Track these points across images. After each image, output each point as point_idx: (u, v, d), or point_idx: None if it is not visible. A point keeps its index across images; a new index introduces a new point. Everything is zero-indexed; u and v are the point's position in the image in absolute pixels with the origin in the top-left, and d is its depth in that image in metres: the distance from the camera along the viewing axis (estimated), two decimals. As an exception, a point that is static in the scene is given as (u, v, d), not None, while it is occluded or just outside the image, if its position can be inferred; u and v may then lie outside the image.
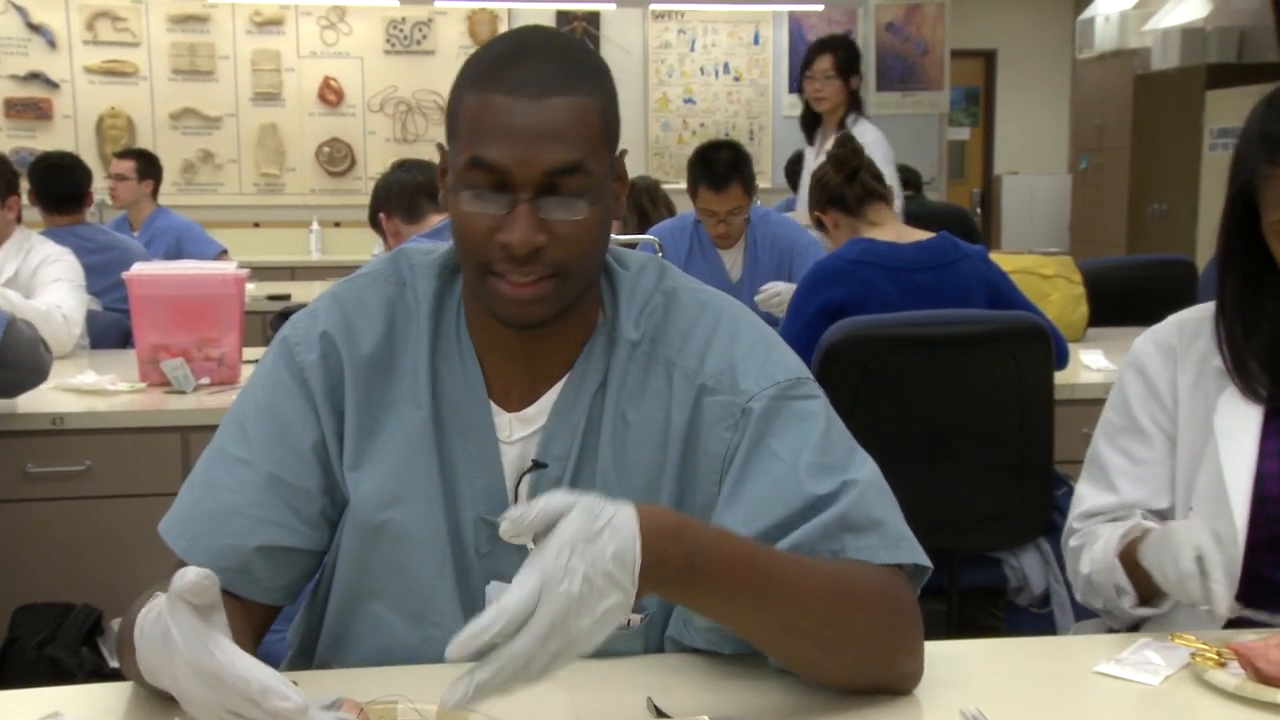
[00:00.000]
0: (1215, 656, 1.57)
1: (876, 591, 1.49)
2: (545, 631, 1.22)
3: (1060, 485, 3.33)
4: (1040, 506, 3.28)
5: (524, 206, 1.45)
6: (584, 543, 1.26)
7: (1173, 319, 2.02)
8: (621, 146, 1.58)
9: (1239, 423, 1.88)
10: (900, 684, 1.54)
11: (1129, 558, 1.87)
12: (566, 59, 1.50)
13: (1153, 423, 1.98)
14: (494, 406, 1.61)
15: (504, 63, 1.48)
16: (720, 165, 4.73)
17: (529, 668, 1.24)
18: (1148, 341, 2.02)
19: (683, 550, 1.35)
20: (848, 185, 3.64)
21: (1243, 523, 1.84)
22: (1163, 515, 1.98)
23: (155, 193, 6.80)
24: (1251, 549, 1.85)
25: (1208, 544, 1.71)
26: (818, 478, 1.52)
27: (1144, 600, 1.86)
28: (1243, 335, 1.89)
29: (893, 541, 1.53)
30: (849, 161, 3.66)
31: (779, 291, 4.50)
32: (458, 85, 1.52)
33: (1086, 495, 2.04)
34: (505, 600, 1.23)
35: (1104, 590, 1.93)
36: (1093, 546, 1.97)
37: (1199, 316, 1.98)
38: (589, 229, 1.49)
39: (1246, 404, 1.88)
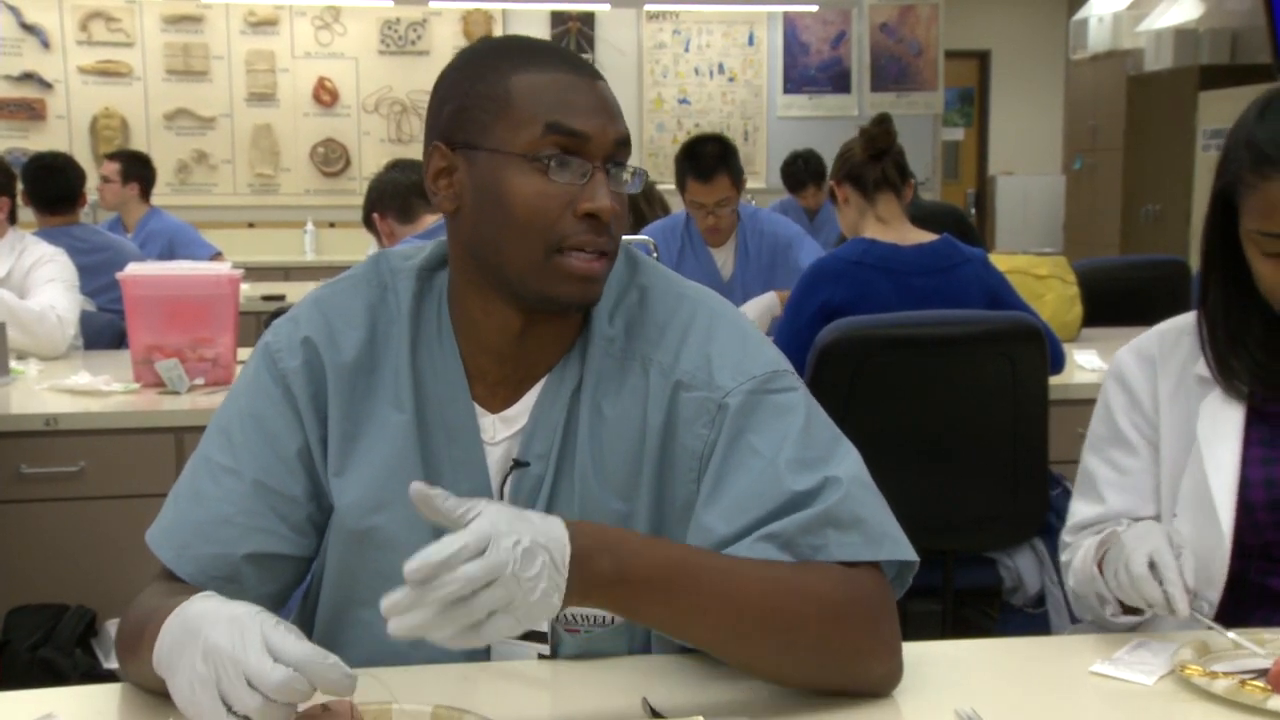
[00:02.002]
0: (1263, 687, 1.52)
1: (832, 595, 1.47)
2: (490, 571, 1.25)
3: (1055, 485, 3.33)
4: (1035, 507, 3.28)
5: (601, 174, 1.49)
6: (517, 519, 1.30)
7: (1153, 330, 2.02)
8: None
9: (1221, 429, 1.88)
10: (875, 686, 1.53)
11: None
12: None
13: (1136, 432, 1.98)
14: (477, 408, 1.61)
15: (535, 51, 1.54)
16: (707, 157, 4.73)
17: (469, 608, 1.25)
18: (1128, 352, 2.02)
19: (611, 556, 1.37)
20: (870, 164, 3.62)
21: (1229, 529, 1.84)
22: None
23: (146, 194, 6.76)
24: (1239, 556, 1.84)
25: (1161, 547, 1.72)
26: (798, 473, 1.51)
27: (1127, 609, 1.85)
28: (1225, 334, 1.89)
29: (875, 538, 1.52)
30: (878, 141, 3.64)
31: (754, 317, 4.53)
32: (484, 75, 1.52)
33: (1077, 509, 2.05)
34: (458, 535, 1.27)
35: (1088, 601, 1.93)
36: (1075, 568, 1.98)
37: (1179, 325, 1.98)
38: (626, 207, 1.55)
39: (1228, 410, 1.88)
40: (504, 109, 1.49)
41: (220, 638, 1.27)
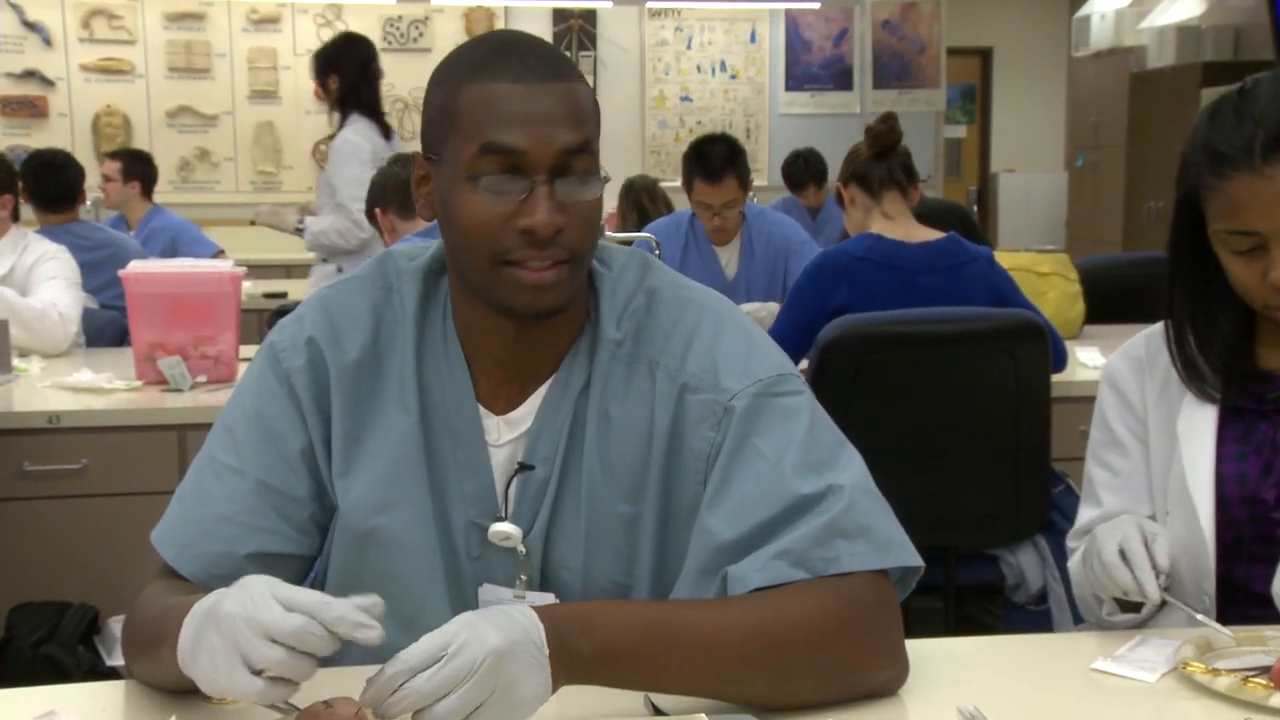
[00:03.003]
0: (1265, 684, 1.52)
1: (823, 616, 1.47)
2: (445, 683, 1.27)
3: (1057, 483, 3.33)
4: (1037, 504, 3.29)
5: (543, 188, 1.46)
6: (483, 620, 1.32)
7: (1141, 333, 2.04)
8: (609, 145, 1.59)
9: (1197, 427, 1.90)
10: (879, 690, 1.53)
11: None
12: (550, 51, 1.55)
13: (1129, 433, 2.00)
14: (482, 410, 1.61)
15: (495, 56, 1.51)
16: (715, 158, 4.72)
17: (440, 713, 1.27)
18: (1118, 357, 2.05)
19: (587, 635, 1.39)
20: (875, 163, 3.62)
21: (1209, 526, 1.85)
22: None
23: (148, 192, 6.76)
24: (1224, 557, 1.86)
25: (1130, 534, 1.77)
26: (803, 476, 1.52)
27: (1124, 607, 1.86)
28: (1192, 338, 1.91)
29: (882, 546, 1.52)
30: (883, 139, 3.64)
31: (761, 318, 4.51)
32: (444, 83, 1.53)
33: (1080, 514, 2.07)
34: (412, 649, 1.29)
35: (1087, 603, 1.94)
36: (1072, 563, 2.01)
37: (1162, 330, 1.99)
38: (597, 210, 1.52)
39: (1203, 409, 1.90)
40: (453, 124, 1.50)
41: (231, 605, 1.28)
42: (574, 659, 1.37)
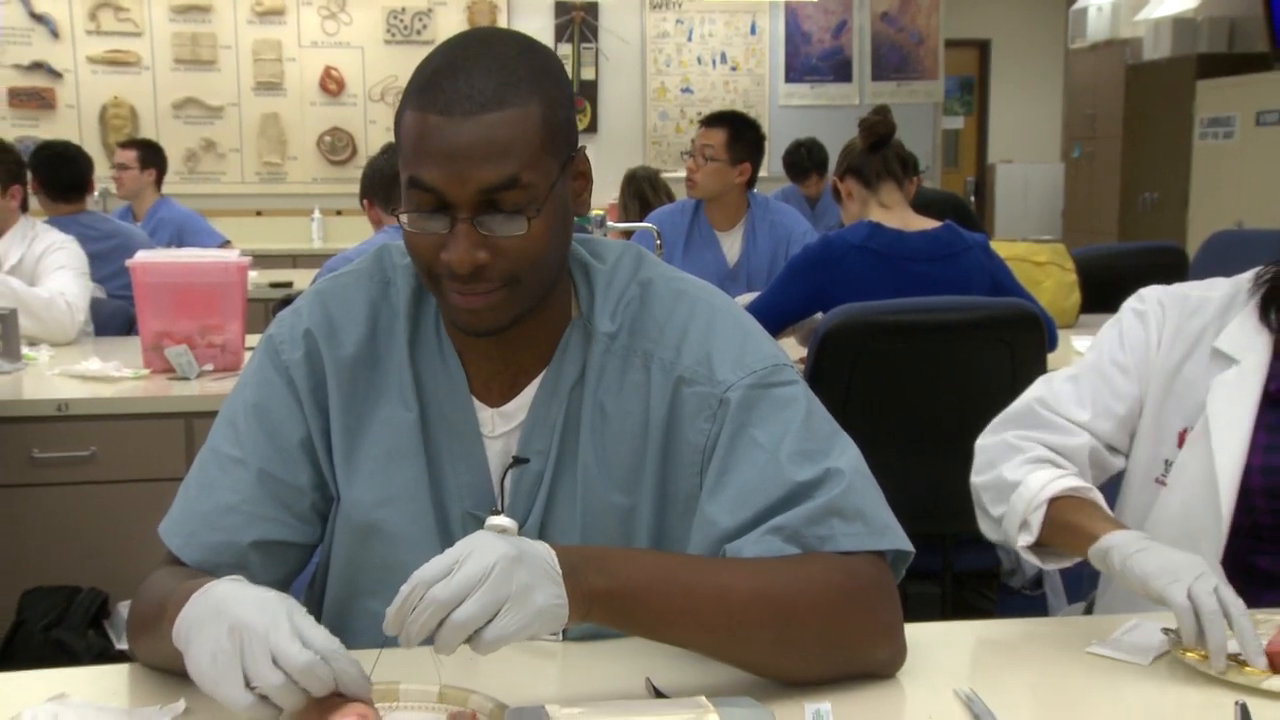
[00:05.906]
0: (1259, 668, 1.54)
1: (829, 584, 1.49)
2: (459, 589, 1.29)
3: (1053, 471, 3.35)
4: (1033, 492, 3.31)
5: (462, 226, 1.44)
6: (497, 539, 1.34)
7: (1182, 288, 2.02)
8: (583, 143, 1.57)
9: (1234, 410, 1.88)
10: (879, 669, 1.55)
11: (1059, 512, 1.84)
12: (505, 68, 1.46)
13: (1137, 371, 1.99)
14: (476, 402, 1.63)
15: (440, 78, 1.45)
16: (721, 112, 4.89)
17: (456, 625, 1.28)
18: (1156, 299, 2.03)
19: (601, 571, 1.40)
20: (870, 156, 3.64)
21: (1228, 516, 1.85)
22: (1114, 450, 2.00)
23: (159, 182, 6.79)
24: (1231, 535, 1.86)
25: (1230, 597, 1.61)
26: (800, 464, 1.53)
27: (1037, 551, 1.86)
28: None
29: (877, 529, 1.54)
30: (877, 129, 3.65)
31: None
32: (403, 98, 1.50)
33: (1065, 392, 2.03)
34: (429, 564, 1.32)
35: (1009, 512, 1.90)
36: (1029, 476, 1.91)
37: (1202, 295, 1.99)
38: (534, 240, 1.47)
39: (1243, 392, 1.88)
40: (399, 145, 1.49)
41: (251, 615, 1.29)
42: (590, 592, 1.38)
